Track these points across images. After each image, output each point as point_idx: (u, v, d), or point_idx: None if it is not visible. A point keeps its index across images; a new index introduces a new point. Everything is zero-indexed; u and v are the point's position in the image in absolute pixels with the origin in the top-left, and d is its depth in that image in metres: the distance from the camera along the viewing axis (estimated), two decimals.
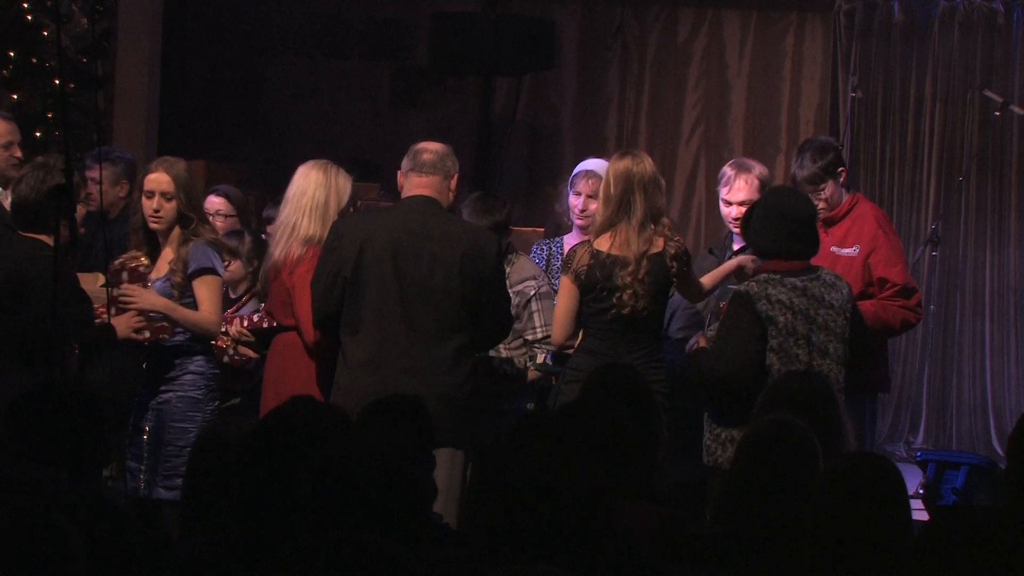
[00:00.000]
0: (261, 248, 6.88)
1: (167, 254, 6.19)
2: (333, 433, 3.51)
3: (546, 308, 6.49)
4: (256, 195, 9.62)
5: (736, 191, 6.55)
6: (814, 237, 5.89)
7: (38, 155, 7.91)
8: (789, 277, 5.72)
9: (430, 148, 6.07)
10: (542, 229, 7.84)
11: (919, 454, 7.94)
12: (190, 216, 6.17)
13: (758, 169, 6.61)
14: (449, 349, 5.87)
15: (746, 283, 5.81)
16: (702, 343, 5.87)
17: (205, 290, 6.14)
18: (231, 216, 7.42)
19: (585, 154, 7.29)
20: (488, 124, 10.66)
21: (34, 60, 8.67)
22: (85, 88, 8.86)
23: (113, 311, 6.07)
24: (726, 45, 10.81)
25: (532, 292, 6.49)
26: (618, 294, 5.88)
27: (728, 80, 10.81)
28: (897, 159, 10.61)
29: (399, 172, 6.13)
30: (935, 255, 9.41)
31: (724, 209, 6.66)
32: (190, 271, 6.12)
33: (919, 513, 6.21)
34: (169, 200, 6.16)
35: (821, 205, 6.53)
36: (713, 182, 7.33)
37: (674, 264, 5.97)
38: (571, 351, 6.11)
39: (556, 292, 6.53)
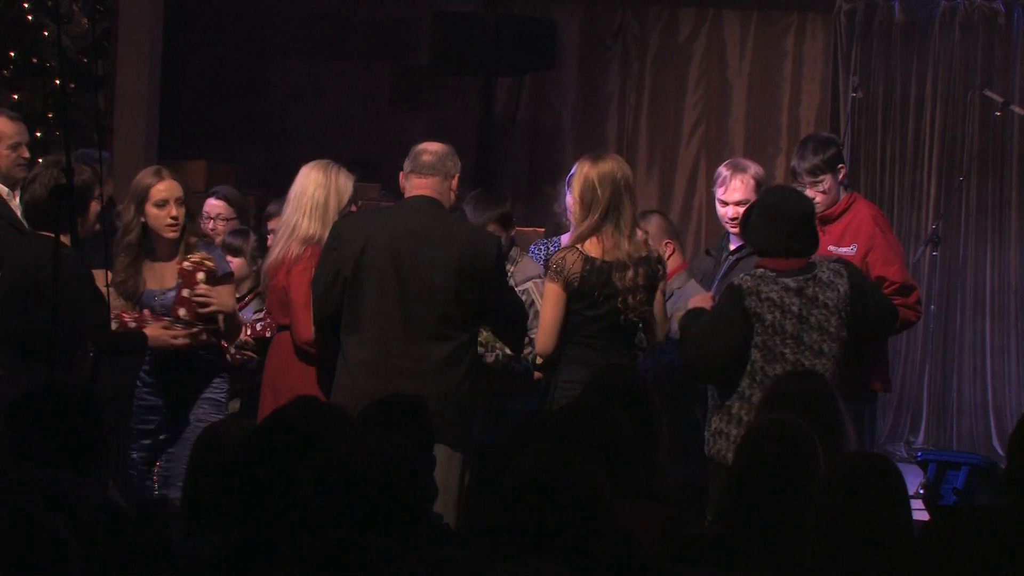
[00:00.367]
0: (264, 247, 6.88)
1: (164, 263, 6.17)
2: (333, 433, 3.51)
3: None
4: (256, 195, 9.62)
5: (732, 191, 6.55)
6: (813, 235, 5.90)
7: (39, 155, 7.93)
8: (784, 277, 5.73)
9: (430, 149, 6.07)
10: (542, 229, 7.85)
11: (919, 454, 7.94)
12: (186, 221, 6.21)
13: (753, 169, 6.61)
14: (449, 349, 5.87)
15: (741, 277, 5.84)
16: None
17: (229, 295, 6.19)
18: (232, 219, 7.42)
19: (585, 154, 7.27)
20: (488, 124, 10.66)
21: (34, 60, 8.67)
22: (85, 88, 8.86)
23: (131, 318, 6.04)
24: (726, 45, 10.81)
25: (536, 292, 6.49)
26: (620, 299, 5.84)
27: (728, 80, 10.81)
28: (897, 159, 10.61)
29: (401, 174, 6.13)
30: (935, 255, 9.42)
31: (720, 209, 6.66)
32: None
33: (919, 513, 6.21)
34: (181, 206, 6.17)
35: (818, 198, 6.51)
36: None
37: (659, 267, 5.99)
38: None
39: None
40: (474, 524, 3.99)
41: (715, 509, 4.29)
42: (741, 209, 6.46)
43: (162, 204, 6.11)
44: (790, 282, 5.73)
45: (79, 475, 3.76)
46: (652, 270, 5.93)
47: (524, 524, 3.13)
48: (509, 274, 6.43)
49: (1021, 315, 10.47)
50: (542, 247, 6.91)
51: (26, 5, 8.66)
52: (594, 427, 4.19)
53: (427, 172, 6.02)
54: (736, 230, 6.53)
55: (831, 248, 6.45)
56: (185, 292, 6.05)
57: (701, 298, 6.17)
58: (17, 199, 6.48)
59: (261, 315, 6.66)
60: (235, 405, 6.69)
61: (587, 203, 5.91)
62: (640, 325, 5.98)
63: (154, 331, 6.04)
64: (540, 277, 6.52)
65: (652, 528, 3.92)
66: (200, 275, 6.07)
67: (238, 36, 11.00)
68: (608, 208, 5.88)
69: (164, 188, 6.14)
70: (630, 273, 5.85)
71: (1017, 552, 3.26)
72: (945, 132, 10.55)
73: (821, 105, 10.69)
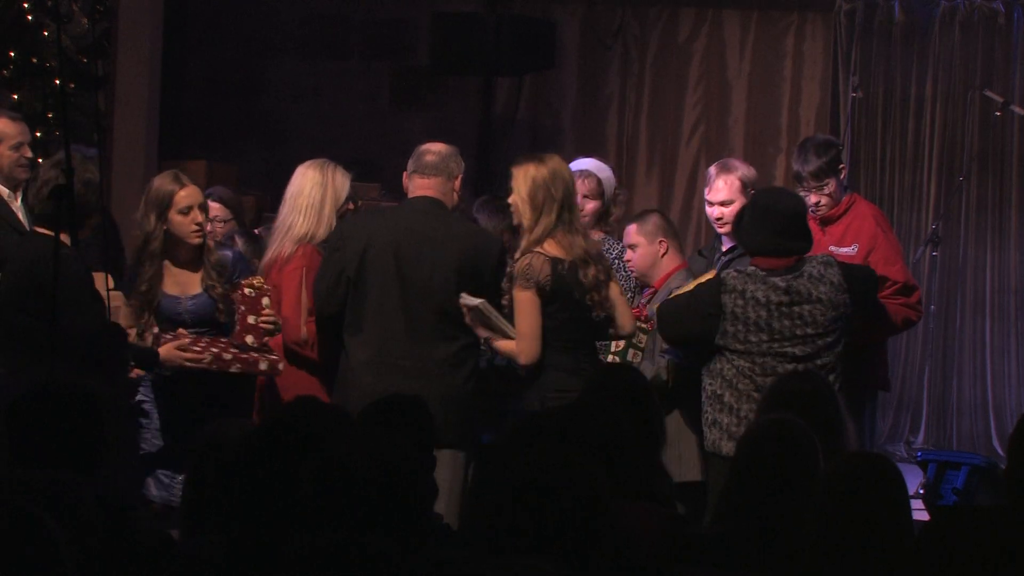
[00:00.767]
0: (259, 247, 6.88)
1: (184, 269, 6.08)
2: (334, 433, 3.51)
3: None
4: (256, 195, 9.63)
5: (716, 191, 6.57)
6: (805, 233, 5.94)
7: (38, 155, 7.93)
8: (773, 276, 5.77)
9: (433, 150, 6.07)
10: None
11: (919, 454, 7.95)
12: None
13: (742, 170, 6.60)
14: (451, 350, 5.88)
15: (727, 272, 5.93)
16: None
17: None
18: (228, 220, 7.41)
19: (585, 154, 7.28)
20: (488, 124, 10.67)
21: (34, 60, 8.67)
22: (85, 88, 8.86)
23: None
24: (726, 45, 10.81)
25: None
26: (588, 297, 5.78)
27: (728, 80, 10.81)
28: (897, 159, 10.61)
29: (404, 173, 6.14)
30: (935, 255, 9.42)
31: (707, 209, 6.69)
32: (235, 281, 6.06)
33: (919, 513, 6.22)
34: (203, 211, 6.11)
35: (823, 201, 6.57)
36: None
37: (606, 260, 5.97)
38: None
39: None
40: (474, 524, 3.99)
41: (714, 505, 4.29)
42: (725, 209, 6.50)
43: (187, 211, 6.03)
44: (778, 281, 5.79)
45: (79, 475, 3.76)
46: (606, 263, 5.93)
47: (524, 524, 3.13)
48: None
49: (1021, 315, 10.47)
50: None
51: (26, 5, 8.66)
52: (594, 427, 4.19)
53: (430, 172, 6.02)
54: (722, 230, 6.58)
55: (832, 248, 6.46)
56: (251, 319, 5.91)
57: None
58: (19, 200, 6.48)
59: None
60: None
61: (538, 204, 5.79)
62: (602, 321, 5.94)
63: (168, 352, 5.89)
64: None
65: (652, 528, 3.92)
66: (265, 300, 5.95)
67: (238, 36, 11.00)
68: (562, 207, 5.80)
69: (187, 194, 6.05)
70: (592, 270, 5.79)
71: (1017, 552, 3.26)
72: (945, 132, 10.55)
73: (821, 105, 10.69)
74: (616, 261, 6.71)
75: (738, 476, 4.07)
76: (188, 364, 5.85)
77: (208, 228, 7.36)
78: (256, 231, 7.45)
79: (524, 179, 5.81)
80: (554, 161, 5.88)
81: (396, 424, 4.34)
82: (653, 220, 6.58)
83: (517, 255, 5.78)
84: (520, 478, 3.22)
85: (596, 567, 3.13)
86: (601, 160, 7.09)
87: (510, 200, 5.86)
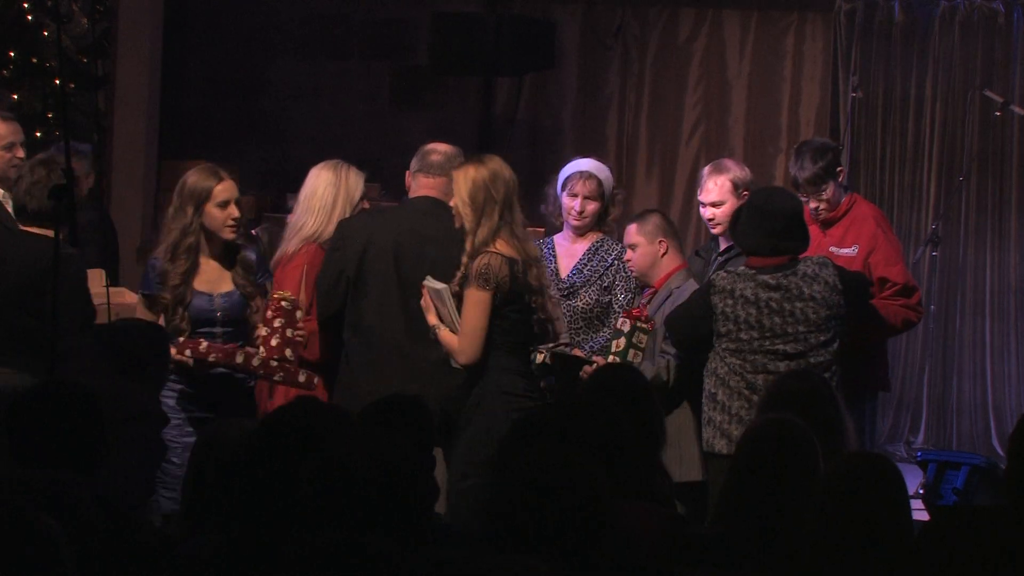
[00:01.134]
0: (257, 247, 6.89)
1: (213, 266, 5.97)
2: (334, 433, 3.51)
3: (559, 318, 6.46)
4: (256, 195, 9.63)
5: (707, 192, 6.58)
6: (801, 233, 5.98)
7: (38, 155, 7.93)
8: (763, 274, 5.81)
9: (439, 150, 6.08)
10: (542, 229, 7.83)
11: (919, 454, 7.95)
12: None
13: (734, 171, 6.59)
14: None
15: (718, 273, 5.98)
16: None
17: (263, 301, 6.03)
18: None
19: (585, 154, 7.27)
20: (488, 124, 10.66)
21: (34, 60, 8.67)
22: (85, 88, 8.87)
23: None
24: (726, 45, 10.81)
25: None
26: (534, 299, 5.72)
27: (728, 80, 10.81)
28: (897, 159, 10.61)
29: (407, 172, 6.14)
30: (935, 255, 9.42)
31: (700, 210, 6.71)
32: (259, 281, 6.00)
33: (919, 513, 6.22)
34: (238, 206, 6.02)
35: (823, 206, 6.59)
36: None
37: (543, 266, 5.90)
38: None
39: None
40: (474, 524, 3.99)
41: (714, 505, 4.29)
42: (717, 211, 6.51)
43: (224, 204, 5.91)
44: (768, 278, 5.83)
45: (79, 475, 3.76)
46: (544, 268, 5.87)
47: (524, 524, 3.13)
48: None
49: (1021, 315, 10.47)
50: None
51: (26, 5, 8.66)
52: (594, 427, 4.19)
53: (435, 172, 6.02)
54: (714, 231, 6.60)
55: (832, 249, 6.47)
56: (289, 332, 5.80)
57: None
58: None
59: None
60: None
61: (479, 206, 5.71)
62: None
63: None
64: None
65: (652, 528, 3.92)
66: (299, 312, 5.88)
67: (238, 36, 11.00)
68: (503, 208, 5.72)
69: (226, 188, 5.94)
70: (535, 271, 5.73)
71: (1017, 552, 3.26)
72: (945, 132, 10.54)
73: (821, 105, 10.69)
74: (615, 261, 6.70)
75: (738, 476, 4.07)
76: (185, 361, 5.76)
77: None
78: (253, 231, 7.45)
79: (464, 181, 5.74)
80: (494, 162, 5.81)
81: (396, 424, 4.34)
82: (653, 220, 6.57)
83: (464, 259, 5.67)
84: (520, 478, 3.22)
85: (596, 567, 3.13)
86: (600, 160, 7.08)
87: (451, 204, 5.78)
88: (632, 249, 6.52)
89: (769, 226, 5.88)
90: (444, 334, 5.71)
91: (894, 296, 6.48)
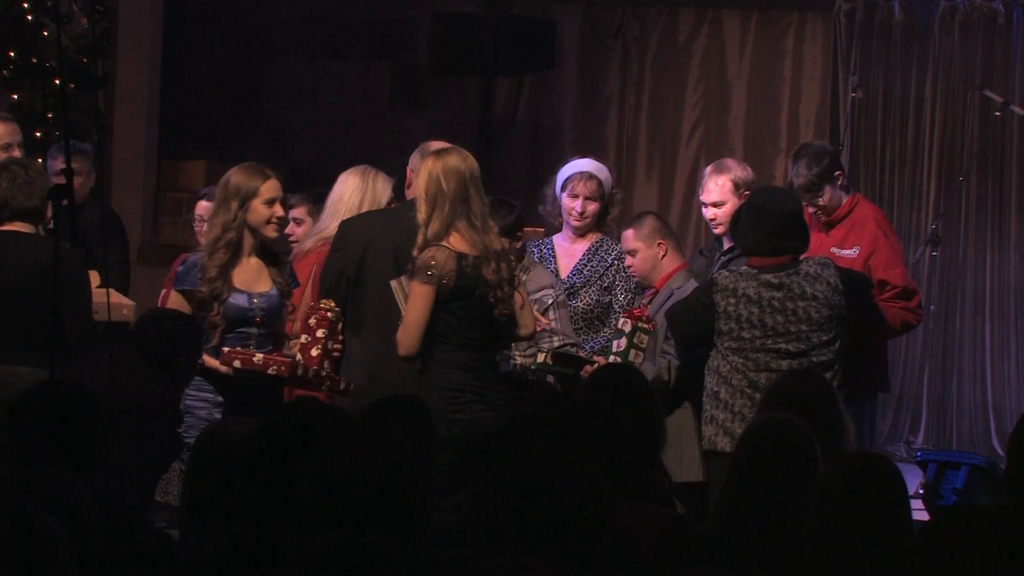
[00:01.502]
0: None
1: (254, 264, 5.90)
2: (334, 433, 3.51)
3: (563, 318, 6.44)
4: None
5: (708, 193, 6.59)
6: (801, 233, 5.99)
7: (38, 155, 7.93)
8: (765, 273, 5.82)
9: (440, 148, 6.08)
10: (542, 229, 7.83)
11: (919, 454, 7.95)
12: None
13: (735, 171, 6.59)
14: None
15: (720, 272, 6.00)
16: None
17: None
18: None
19: (585, 154, 7.27)
20: (488, 124, 10.66)
21: (34, 60, 8.67)
22: (85, 88, 8.86)
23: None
24: (726, 45, 10.80)
25: (550, 301, 6.42)
26: (492, 294, 5.63)
27: (728, 80, 10.80)
28: (897, 159, 10.60)
29: (408, 169, 6.14)
30: (935, 255, 9.41)
31: (702, 210, 6.71)
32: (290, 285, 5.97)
33: (919, 513, 6.22)
34: (284, 207, 5.99)
35: (821, 210, 6.60)
36: None
37: (514, 260, 5.82)
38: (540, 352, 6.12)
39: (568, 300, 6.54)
40: (475, 524, 3.99)
41: (714, 504, 4.29)
42: (718, 211, 6.52)
43: (271, 202, 5.87)
44: (770, 278, 5.84)
45: (78, 475, 3.76)
46: (511, 263, 5.76)
47: (524, 524, 3.13)
48: (522, 283, 6.41)
49: (1021, 315, 10.47)
50: (535, 248, 6.88)
51: (26, 5, 8.66)
52: (594, 427, 4.19)
53: None
54: (716, 231, 6.60)
55: (833, 251, 6.48)
56: (330, 344, 5.74)
57: None
58: None
59: None
60: None
61: (432, 198, 5.67)
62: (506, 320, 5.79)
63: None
64: (552, 287, 6.48)
65: (652, 528, 3.92)
66: (340, 325, 5.83)
67: (238, 36, 10.99)
68: (455, 202, 5.65)
69: (272, 187, 5.89)
70: (493, 266, 5.63)
71: (1017, 552, 3.26)
72: (945, 132, 10.54)
73: (821, 105, 10.69)
74: (615, 262, 6.70)
75: (737, 476, 4.07)
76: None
77: (204, 228, 7.38)
78: None
79: (423, 173, 5.71)
80: (452, 156, 5.73)
81: (396, 424, 4.34)
82: (649, 223, 6.56)
83: (415, 252, 5.64)
84: (520, 478, 3.22)
85: (596, 567, 3.13)
86: (600, 160, 7.08)
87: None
88: (632, 255, 6.51)
89: (769, 226, 5.89)
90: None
91: (894, 299, 6.47)
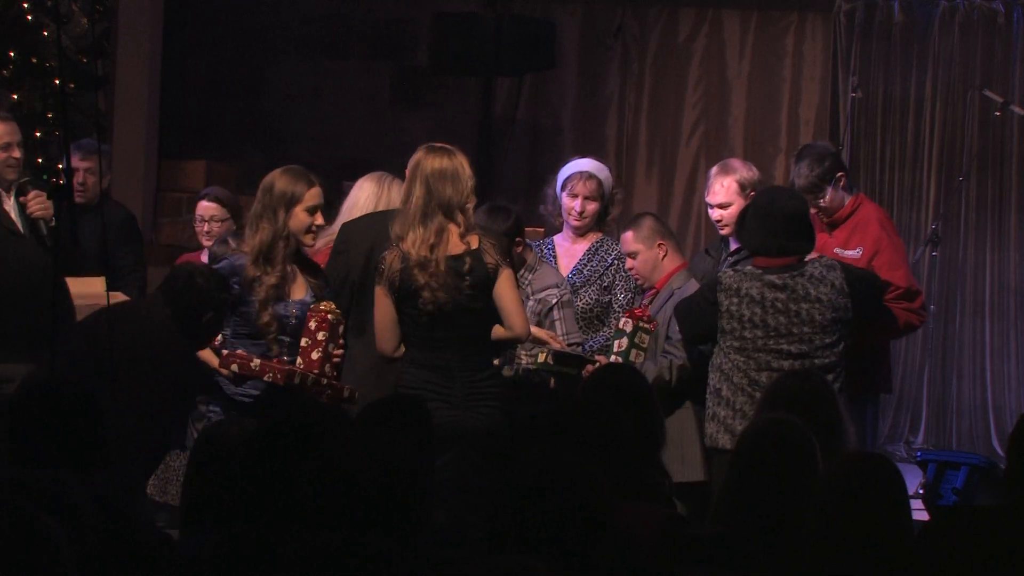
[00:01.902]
0: None
1: (290, 271, 5.81)
2: (334, 433, 3.51)
3: (567, 317, 6.44)
4: (255, 195, 9.61)
5: (714, 194, 6.59)
6: (807, 234, 5.98)
7: (38, 155, 7.92)
8: (770, 274, 5.82)
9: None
10: (542, 229, 7.84)
11: (919, 454, 7.95)
12: None
13: (741, 172, 6.58)
14: None
15: (725, 271, 6.02)
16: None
17: None
18: (226, 220, 7.39)
19: (585, 154, 7.27)
20: (488, 124, 10.66)
21: (34, 60, 8.66)
22: (85, 88, 8.85)
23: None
24: (726, 45, 10.80)
25: (554, 300, 6.43)
26: (424, 294, 5.59)
27: (728, 80, 10.80)
28: (897, 159, 10.61)
29: (408, 171, 6.14)
30: (935, 255, 9.41)
31: (708, 211, 6.71)
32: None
33: (919, 513, 6.22)
34: (323, 214, 5.91)
35: (823, 212, 6.60)
36: None
37: (491, 259, 5.65)
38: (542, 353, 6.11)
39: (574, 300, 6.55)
40: (475, 524, 3.99)
41: (714, 504, 4.29)
42: (724, 212, 6.52)
43: (313, 210, 5.82)
44: (775, 278, 5.84)
45: (78, 475, 3.76)
46: (473, 263, 5.63)
47: (524, 524, 3.13)
48: (527, 283, 6.39)
49: (1021, 315, 10.47)
50: (535, 248, 6.88)
51: (26, 5, 8.65)
52: (594, 427, 4.19)
53: None
54: (723, 232, 6.60)
55: (837, 251, 6.47)
56: (331, 348, 5.67)
57: None
58: (11, 200, 6.47)
59: None
60: None
61: (403, 199, 5.72)
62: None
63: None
64: (557, 286, 6.48)
65: (652, 528, 3.92)
66: (341, 328, 5.76)
67: (238, 36, 11.00)
68: (419, 202, 5.62)
69: (316, 194, 5.84)
70: (431, 268, 5.57)
71: (1017, 552, 3.26)
72: (945, 132, 10.54)
73: (821, 105, 10.68)
74: (615, 261, 6.71)
75: (736, 476, 4.07)
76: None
77: (205, 228, 7.38)
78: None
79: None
80: (424, 157, 5.68)
81: (396, 424, 4.34)
82: (647, 224, 6.56)
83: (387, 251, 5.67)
84: (520, 478, 3.22)
85: (596, 567, 3.13)
86: (600, 160, 7.08)
87: None
88: (632, 257, 6.51)
89: (774, 227, 5.88)
90: None
91: (897, 300, 6.47)
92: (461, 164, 5.69)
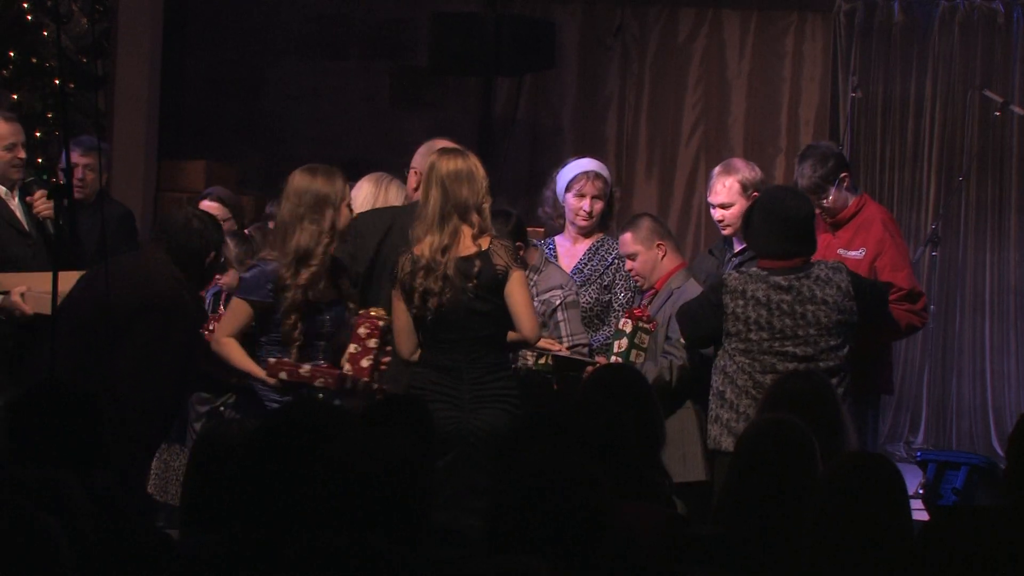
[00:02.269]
0: (251, 248, 6.88)
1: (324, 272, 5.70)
2: (336, 433, 3.51)
3: (572, 318, 6.42)
4: (255, 195, 9.62)
5: (716, 194, 6.58)
6: (811, 236, 5.97)
7: (38, 155, 7.92)
8: (775, 275, 5.81)
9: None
10: (542, 229, 7.84)
11: (919, 454, 7.95)
12: None
13: (743, 172, 6.57)
14: None
15: (729, 273, 5.99)
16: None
17: None
18: (227, 220, 7.38)
19: (585, 154, 7.27)
20: (488, 124, 10.66)
21: (34, 60, 8.66)
22: (85, 88, 8.85)
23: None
24: (726, 45, 10.80)
25: (558, 301, 6.42)
26: (430, 296, 5.58)
27: (728, 80, 10.81)
28: (897, 159, 10.61)
29: (412, 171, 6.13)
30: (935, 255, 9.42)
31: (711, 211, 6.70)
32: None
33: (919, 513, 6.22)
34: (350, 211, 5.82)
35: (826, 212, 6.59)
36: None
37: (503, 262, 5.63)
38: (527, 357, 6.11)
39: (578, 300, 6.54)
40: (475, 525, 3.99)
41: (716, 504, 4.30)
42: (726, 212, 6.51)
43: (350, 207, 5.77)
44: (780, 280, 5.82)
45: (77, 475, 3.76)
46: (482, 265, 5.61)
47: (525, 524, 3.13)
48: (532, 283, 6.39)
49: (1021, 315, 10.47)
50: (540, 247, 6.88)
51: (26, 5, 8.65)
52: (594, 427, 4.19)
53: None
54: (724, 232, 6.59)
55: (840, 251, 6.46)
56: (380, 356, 5.61)
57: None
58: (16, 199, 6.48)
59: None
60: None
61: (422, 200, 5.69)
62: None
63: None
64: (562, 287, 6.47)
65: (652, 528, 3.92)
66: (389, 335, 5.66)
67: (238, 36, 11.00)
68: (434, 205, 5.60)
69: (348, 192, 5.76)
70: (439, 270, 5.56)
71: (1017, 552, 3.26)
72: (945, 132, 10.55)
73: (821, 105, 10.69)
74: (615, 260, 6.70)
75: (737, 476, 4.08)
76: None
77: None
78: (247, 231, 7.44)
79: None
80: (440, 159, 5.68)
81: (396, 424, 4.34)
82: (646, 225, 6.56)
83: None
84: (520, 478, 3.22)
85: (596, 567, 3.13)
86: (599, 160, 7.08)
87: None
88: (632, 259, 6.51)
89: (779, 229, 5.86)
90: None
91: (899, 301, 6.46)
92: (475, 164, 5.70)
